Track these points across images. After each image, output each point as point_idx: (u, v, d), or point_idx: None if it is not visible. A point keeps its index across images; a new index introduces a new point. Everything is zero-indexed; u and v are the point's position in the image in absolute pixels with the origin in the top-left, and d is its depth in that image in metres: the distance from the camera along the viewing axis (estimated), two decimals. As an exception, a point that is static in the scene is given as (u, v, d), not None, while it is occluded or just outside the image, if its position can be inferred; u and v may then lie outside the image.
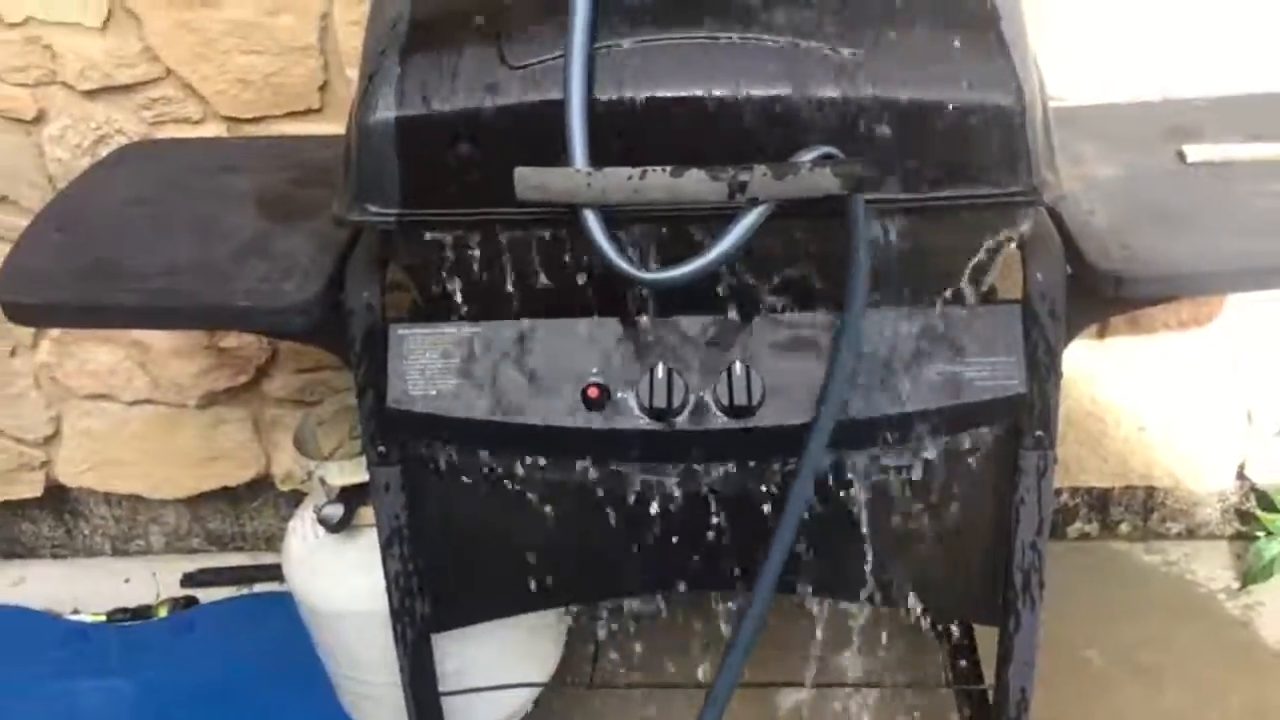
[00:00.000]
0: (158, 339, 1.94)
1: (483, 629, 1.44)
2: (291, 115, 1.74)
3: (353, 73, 1.68)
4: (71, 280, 1.30)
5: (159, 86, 1.74)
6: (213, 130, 1.76)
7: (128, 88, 1.75)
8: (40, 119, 1.78)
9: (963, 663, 1.71)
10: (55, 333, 1.96)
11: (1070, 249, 1.21)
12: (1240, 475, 1.99)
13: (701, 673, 1.58)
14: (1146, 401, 1.92)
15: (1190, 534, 2.06)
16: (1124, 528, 2.07)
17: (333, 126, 1.71)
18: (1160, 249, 1.20)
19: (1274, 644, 1.84)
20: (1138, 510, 2.05)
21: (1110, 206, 1.26)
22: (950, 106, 1.06)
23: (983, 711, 1.61)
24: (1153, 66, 1.65)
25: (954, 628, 1.75)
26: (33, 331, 1.96)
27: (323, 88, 1.73)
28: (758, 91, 1.07)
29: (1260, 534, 1.95)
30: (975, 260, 1.17)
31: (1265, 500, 1.96)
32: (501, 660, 1.55)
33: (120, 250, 1.33)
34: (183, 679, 1.84)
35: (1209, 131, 1.41)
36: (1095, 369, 1.89)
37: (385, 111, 1.12)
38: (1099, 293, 1.18)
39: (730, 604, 1.46)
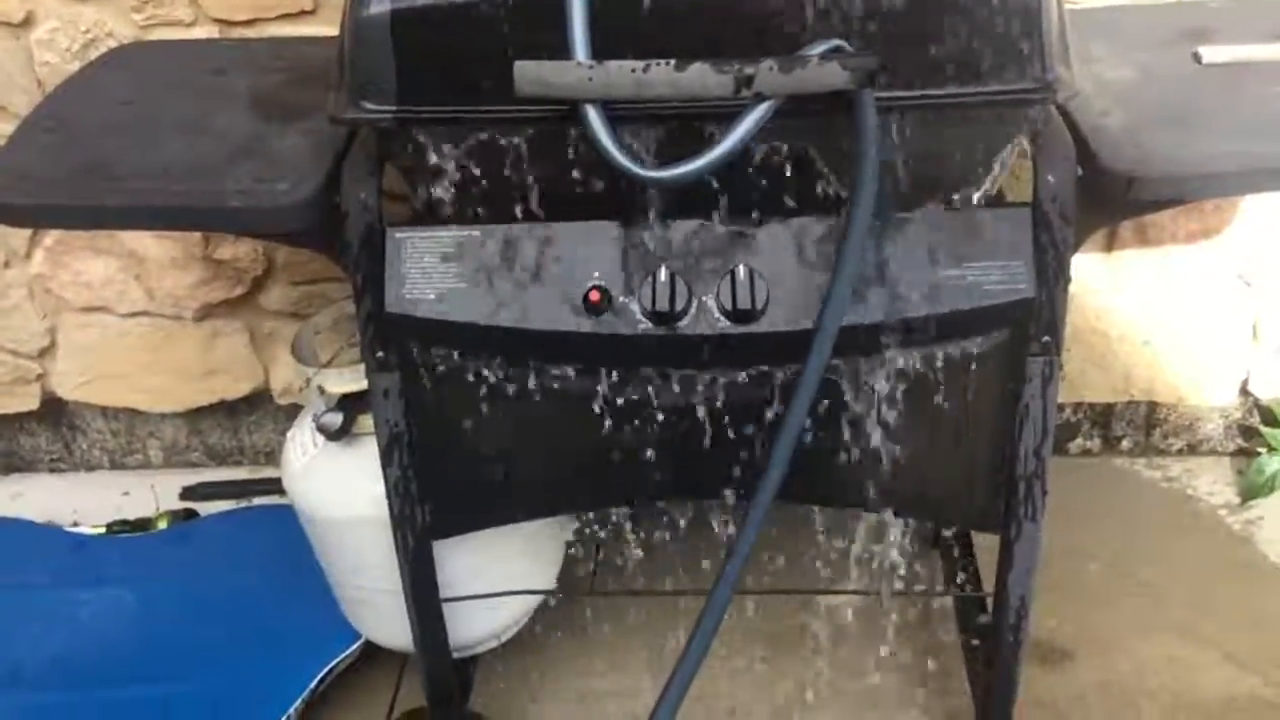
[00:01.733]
0: (153, 250, 1.91)
1: (483, 536, 1.43)
2: (284, 17, 1.71)
3: (347, -27, 1.65)
4: (62, 181, 1.27)
5: (149, -13, 1.71)
6: (204, 33, 1.73)
7: (118, -11, 1.71)
8: (29, 22, 1.74)
9: (962, 572, 1.71)
10: (49, 243, 1.93)
11: (1082, 150, 1.18)
12: (1244, 391, 1.98)
13: (701, 579, 1.58)
14: (1151, 315, 1.90)
15: (1192, 450, 2.06)
16: (1126, 443, 2.06)
17: (326, 28, 1.67)
18: (1174, 150, 1.17)
19: (1274, 558, 1.85)
20: (1140, 426, 2.04)
21: (1123, 108, 1.24)
22: (965, -2, 1.04)
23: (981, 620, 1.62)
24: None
25: (953, 537, 1.76)
26: (27, 241, 1.94)
27: (316, -11, 1.69)
28: (765, -18, 1.04)
29: (1262, 449, 1.94)
30: (985, 160, 1.15)
31: (1268, 415, 1.96)
32: (502, 567, 1.54)
33: (112, 151, 1.30)
34: (183, 589, 1.84)
35: (1224, 32, 1.38)
36: (1101, 283, 1.87)
37: (380, 5, 1.10)
38: (1110, 194, 1.16)
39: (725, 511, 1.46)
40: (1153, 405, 2.02)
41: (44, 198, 1.27)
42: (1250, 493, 1.93)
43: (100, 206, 1.26)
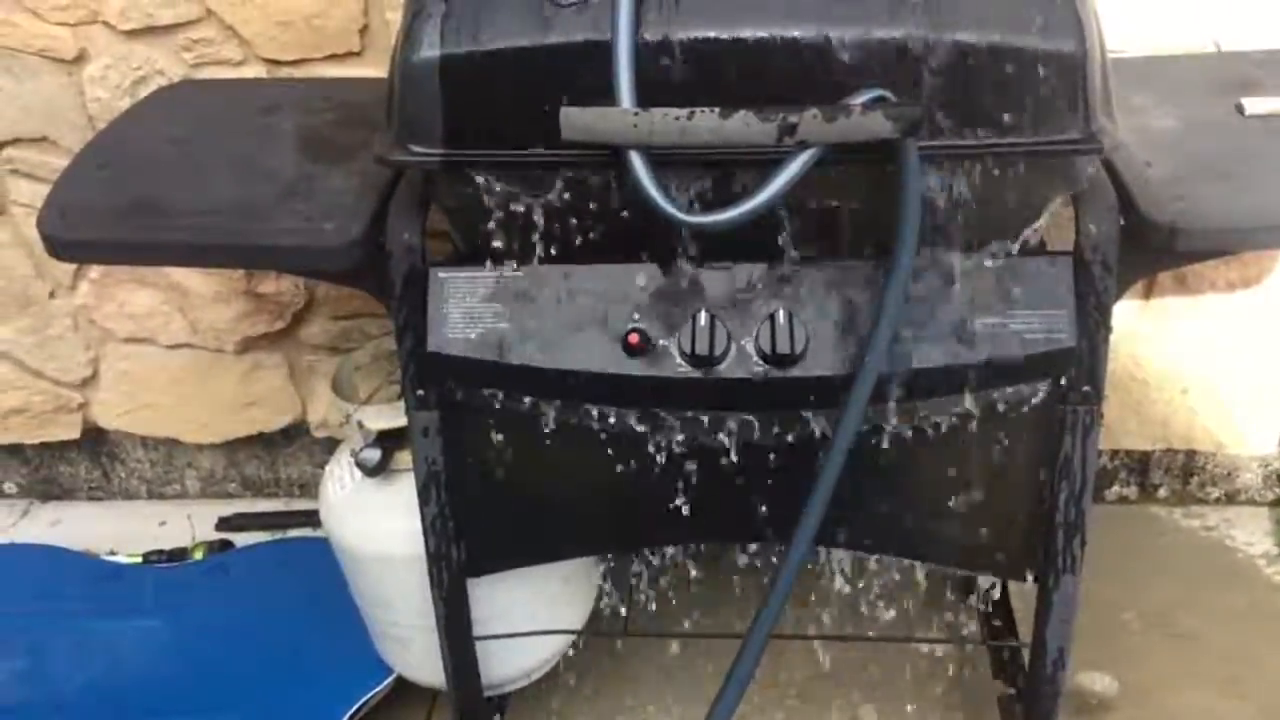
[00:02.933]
0: (196, 283, 1.94)
1: (518, 575, 1.44)
2: (331, 58, 1.73)
3: (392, 15, 1.67)
4: (113, 217, 1.29)
5: (199, 27, 1.73)
6: (253, 72, 1.75)
7: (169, 28, 1.74)
8: (81, 59, 1.78)
9: (998, 621, 1.70)
10: (94, 275, 1.96)
11: (1124, 200, 1.18)
12: (1283, 440, 1.96)
13: (735, 623, 1.57)
14: (1190, 364, 1.89)
15: (1230, 499, 2.03)
16: (1163, 491, 2.04)
17: (372, 69, 1.70)
18: (1216, 202, 1.17)
19: (1313, 610, 1.82)
20: (1177, 474, 2.03)
21: (1166, 158, 1.24)
22: (1010, 50, 1.04)
23: (1018, 669, 1.60)
24: (1205, 18, 1.61)
25: (989, 585, 1.74)
26: (72, 273, 1.96)
27: (363, 30, 1.71)
28: (810, 32, 1.05)
29: (1302, 500, 1.93)
30: (1027, 210, 1.15)
31: (1309, 466, 1.94)
32: (536, 606, 1.55)
33: (161, 188, 1.33)
34: (217, 620, 1.85)
35: (1267, 84, 1.38)
36: (1140, 330, 1.87)
37: (429, 50, 1.11)
38: (1153, 245, 1.16)
39: (758, 555, 1.45)
40: (1191, 453, 2.00)
41: (95, 233, 1.30)
42: (1289, 543, 1.91)
43: (150, 243, 1.28)
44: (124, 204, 1.31)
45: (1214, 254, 1.35)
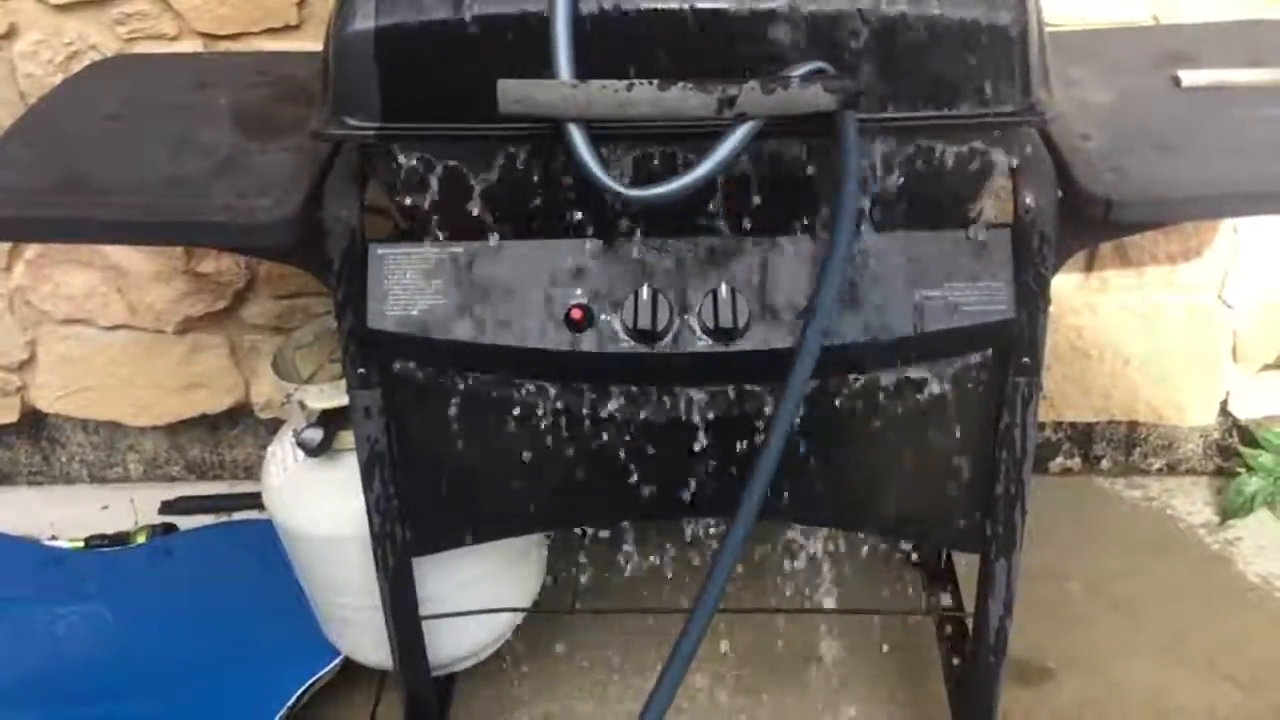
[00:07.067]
0: (134, 263, 1.91)
1: (464, 554, 1.43)
2: (269, 32, 1.71)
3: (332, -12, 1.65)
4: (44, 195, 1.26)
5: (134, 1, 1.70)
6: (188, 47, 1.72)
7: (101, 2, 1.70)
8: (11, 34, 1.74)
9: (941, 591, 1.72)
10: (30, 255, 1.93)
11: (1061, 172, 1.19)
12: (1223, 411, 1.99)
13: (681, 598, 1.58)
14: (1132, 336, 1.91)
15: (1172, 469, 2.07)
16: (1106, 463, 2.07)
17: (310, 43, 1.67)
18: (1152, 173, 1.18)
19: (1252, 579, 1.85)
20: (1120, 445, 2.05)
21: (1103, 131, 1.24)
22: (948, 22, 1.04)
23: (961, 639, 1.62)
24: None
25: (933, 556, 1.76)
26: (6, 253, 1.93)
27: (300, 4, 1.69)
28: (749, 4, 1.04)
29: (1241, 469, 1.95)
30: (965, 182, 1.15)
31: (1247, 435, 1.97)
32: (483, 585, 1.54)
33: (94, 165, 1.30)
34: (161, 604, 1.83)
35: (1203, 56, 1.39)
36: (1081, 302, 1.88)
37: (364, 22, 1.10)
38: (1089, 217, 1.16)
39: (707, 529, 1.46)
40: (1133, 425, 2.03)
41: (25, 211, 1.26)
42: (1229, 512, 1.94)
43: (82, 220, 1.25)
44: (55, 181, 1.28)
45: (1151, 225, 1.36)
